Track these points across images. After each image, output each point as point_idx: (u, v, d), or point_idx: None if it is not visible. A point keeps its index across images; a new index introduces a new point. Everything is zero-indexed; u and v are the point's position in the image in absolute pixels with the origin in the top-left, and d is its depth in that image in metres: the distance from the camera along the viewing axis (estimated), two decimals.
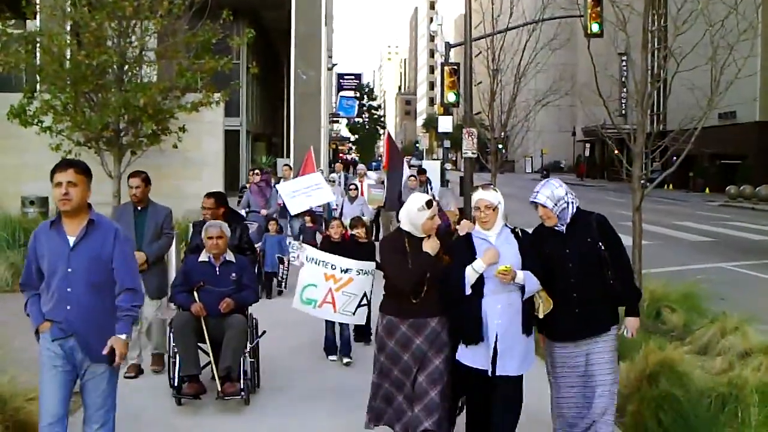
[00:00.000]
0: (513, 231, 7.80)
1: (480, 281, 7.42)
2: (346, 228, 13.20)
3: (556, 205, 7.69)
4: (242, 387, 9.92)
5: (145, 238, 11.02)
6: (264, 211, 19.36)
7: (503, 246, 7.57)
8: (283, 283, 17.58)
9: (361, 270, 11.07)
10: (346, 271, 11.00)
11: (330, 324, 12.37)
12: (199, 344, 10.14)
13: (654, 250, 22.13)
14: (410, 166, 26.99)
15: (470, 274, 7.39)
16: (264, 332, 10.97)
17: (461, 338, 7.57)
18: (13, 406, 8.37)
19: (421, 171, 26.87)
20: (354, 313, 11.11)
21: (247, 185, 22.97)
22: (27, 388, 8.60)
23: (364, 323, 12.05)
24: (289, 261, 17.22)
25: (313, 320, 12.01)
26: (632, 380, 9.32)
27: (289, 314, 12.23)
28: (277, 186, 20.81)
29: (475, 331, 7.42)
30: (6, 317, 13.32)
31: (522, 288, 7.44)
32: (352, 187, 22.24)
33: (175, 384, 10.04)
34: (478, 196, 7.70)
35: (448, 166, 53.11)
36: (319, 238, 18.79)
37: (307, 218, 19.97)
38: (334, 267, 11.01)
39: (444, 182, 45.99)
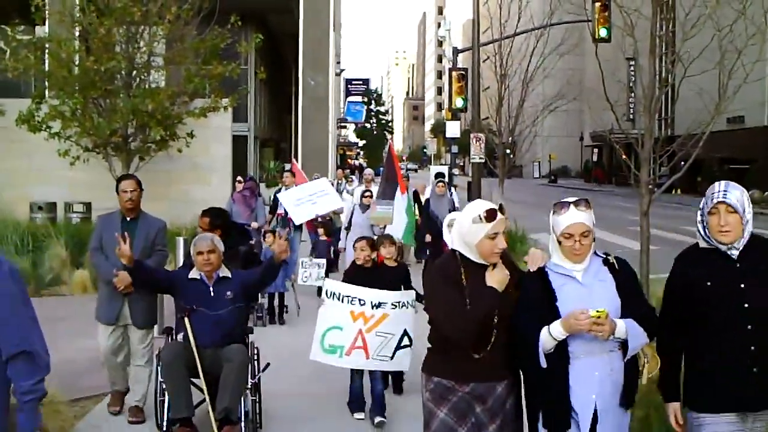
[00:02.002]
0: (605, 261, 5.45)
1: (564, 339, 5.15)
2: (377, 247, 10.19)
3: (743, 214, 5.36)
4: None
5: (134, 253, 8.76)
6: (255, 224, 17.67)
7: (595, 284, 5.28)
8: (286, 309, 15.61)
9: (398, 303, 8.97)
10: (378, 306, 8.86)
11: (358, 372, 9.68)
12: (191, 379, 8.48)
13: (662, 255, 22.03)
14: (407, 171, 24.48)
15: (546, 340, 5.13)
16: (268, 365, 9.10)
17: (542, 421, 5.32)
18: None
19: (438, 175, 24.40)
20: (392, 358, 8.95)
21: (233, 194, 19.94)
22: None
23: (407, 370, 9.31)
24: (293, 282, 15.44)
25: None
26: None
27: (296, 344, 11.24)
28: (278, 195, 18.55)
29: (561, 413, 5.23)
30: None
31: (623, 344, 5.21)
32: (367, 194, 18.72)
33: (164, 428, 8.48)
34: (570, 219, 5.24)
35: (456, 171, 53.10)
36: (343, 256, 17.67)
37: (321, 230, 17.72)
38: (363, 302, 8.88)
39: (451, 187, 45.87)
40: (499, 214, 5.29)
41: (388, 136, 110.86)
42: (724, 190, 5.45)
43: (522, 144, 27.94)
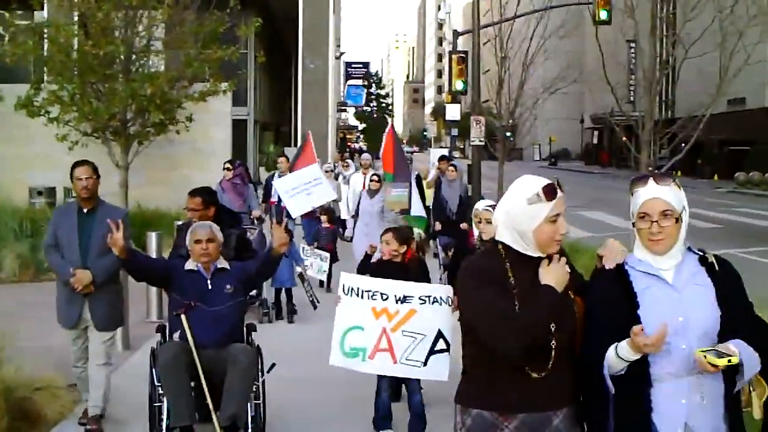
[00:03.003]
0: (702, 259, 4.23)
1: (643, 356, 3.96)
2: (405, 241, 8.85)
3: None
4: None
5: (92, 249, 8.28)
6: (256, 212, 16.36)
7: (688, 288, 4.09)
8: (295, 308, 14.16)
9: (428, 297, 7.50)
10: (403, 300, 7.53)
11: (386, 381, 8.52)
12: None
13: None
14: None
15: (614, 362, 4.00)
16: (273, 365, 8.26)
17: None
18: (18, 396, 8.26)
19: (443, 158, 21.69)
20: (425, 364, 7.47)
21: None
22: (32, 378, 8.57)
23: (445, 380, 7.34)
24: (304, 274, 14.34)
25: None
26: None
27: (306, 343, 11.07)
28: (273, 182, 17.46)
29: None
30: (13, 307, 13.30)
31: (734, 369, 3.93)
32: (374, 178, 17.02)
33: None
34: (648, 194, 4.14)
35: (456, 154, 53.05)
36: (349, 244, 16.91)
37: (324, 217, 16.74)
38: (385, 296, 7.53)
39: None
40: (558, 191, 4.12)
41: (389, 120, 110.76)
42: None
43: (522, 127, 27.91)
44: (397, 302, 7.51)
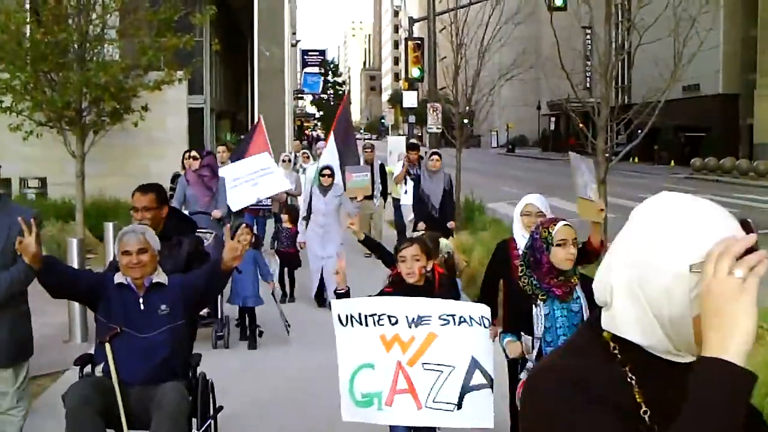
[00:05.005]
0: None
1: None
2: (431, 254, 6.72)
3: None
4: None
5: None
6: (217, 212, 13.53)
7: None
8: (260, 330, 11.98)
9: (452, 316, 5.81)
10: (418, 322, 5.77)
11: (403, 430, 6.35)
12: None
13: (619, 223, 22.22)
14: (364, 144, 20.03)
15: None
16: (220, 409, 6.89)
17: None
18: None
19: (413, 147, 20.22)
20: (459, 406, 5.74)
21: (182, 172, 15.30)
22: None
23: (491, 425, 5.94)
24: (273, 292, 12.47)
25: (331, 393, 6.36)
26: None
27: (269, 374, 9.75)
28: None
29: None
30: None
31: None
32: (326, 172, 14.50)
33: None
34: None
35: (414, 141, 53.06)
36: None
37: (285, 216, 14.90)
38: (394, 319, 5.80)
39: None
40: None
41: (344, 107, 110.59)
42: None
43: (479, 113, 27.93)
44: (410, 325, 5.78)
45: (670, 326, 2.06)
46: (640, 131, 14.13)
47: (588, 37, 36.10)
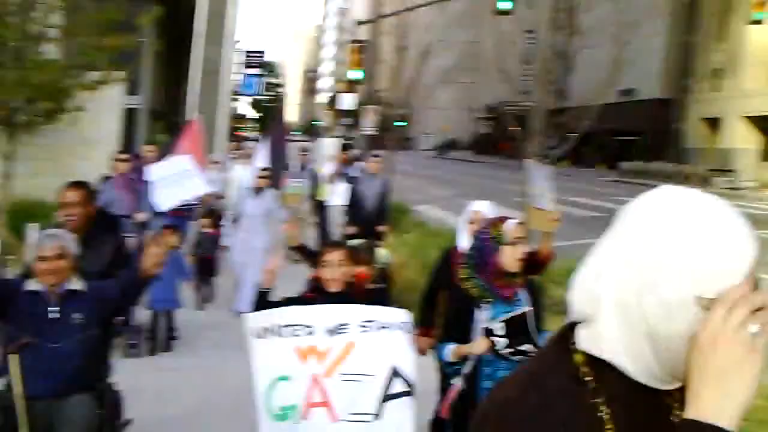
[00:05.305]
0: None
1: None
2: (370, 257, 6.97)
3: None
4: None
5: None
6: (141, 216, 12.90)
7: None
8: (173, 333, 11.44)
9: (371, 322, 5.59)
10: (336, 331, 5.52)
11: None
12: None
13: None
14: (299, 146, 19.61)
15: None
16: (129, 422, 6.38)
17: None
18: None
19: (345, 147, 19.86)
20: (377, 415, 5.47)
21: (112, 175, 14.32)
22: None
23: None
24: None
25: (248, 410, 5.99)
26: None
27: (186, 382, 9.25)
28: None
29: None
30: None
31: None
32: (262, 173, 14.17)
33: None
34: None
35: (348, 142, 53.18)
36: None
37: (204, 221, 14.19)
38: (310, 329, 5.53)
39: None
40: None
41: (278, 111, 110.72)
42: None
43: (416, 116, 27.99)
44: (327, 334, 5.50)
45: (665, 348, 1.76)
46: (574, 134, 14.19)
47: (530, 41, 36.66)
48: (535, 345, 5.19)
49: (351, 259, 6.14)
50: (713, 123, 55.99)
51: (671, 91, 62.65)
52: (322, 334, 5.47)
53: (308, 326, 5.48)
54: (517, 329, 5.27)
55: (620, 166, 56.11)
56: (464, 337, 5.56)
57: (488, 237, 5.60)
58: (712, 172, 46.13)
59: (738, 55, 53.55)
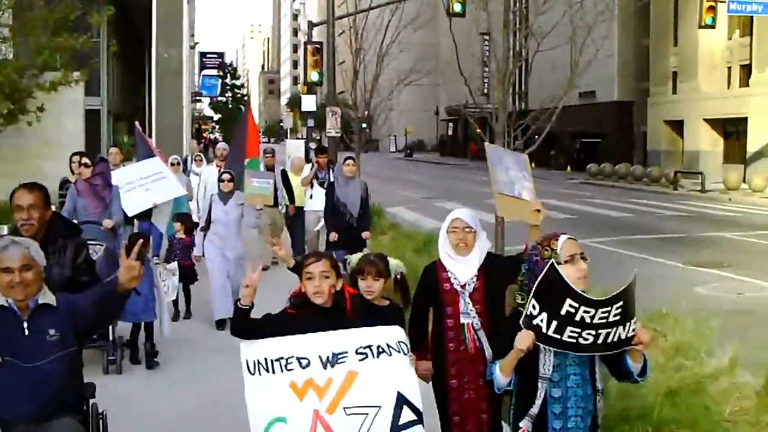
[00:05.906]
0: None
1: None
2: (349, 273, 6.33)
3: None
4: None
5: None
6: (108, 222, 12.01)
7: None
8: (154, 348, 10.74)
9: (370, 347, 5.16)
10: (333, 361, 5.07)
11: None
12: None
13: (515, 228, 22.47)
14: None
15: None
16: None
17: None
18: None
19: (322, 151, 18.80)
20: None
21: (72, 180, 14.12)
22: None
23: None
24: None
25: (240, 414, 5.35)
26: None
27: (170, 400, 8.82)
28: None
29: None
30: None
31: None
32: (225, 177, 13.48)
33: None
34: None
35: (313, 145, 53.03)
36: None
37: (177, 225, 13.56)
38: (305, 361, 5.06)
39: (311, 163, 45.74)
40: None
41: (245, 109, 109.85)
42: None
43: (378, 118, 28.10)
44: (325, 366, 5.03)
45: None
46: (537, 137, 14.36)
47: (486, 43, 36.83)
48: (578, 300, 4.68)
49: (334, 269, 5.42)
50: (677, 125, 56.43)
51: (630, 94, 63.18)
52: (319, 366, 5.03)
53: (303, 358, 5.03)
54: (550, 293, 4.76)
55: (588, 168, 56.28)
56: (527, 373, 5.03)
57: (539, 258, 5.04)
58: (680, 175, 46.43)
59: (692, 59, 54.17)
